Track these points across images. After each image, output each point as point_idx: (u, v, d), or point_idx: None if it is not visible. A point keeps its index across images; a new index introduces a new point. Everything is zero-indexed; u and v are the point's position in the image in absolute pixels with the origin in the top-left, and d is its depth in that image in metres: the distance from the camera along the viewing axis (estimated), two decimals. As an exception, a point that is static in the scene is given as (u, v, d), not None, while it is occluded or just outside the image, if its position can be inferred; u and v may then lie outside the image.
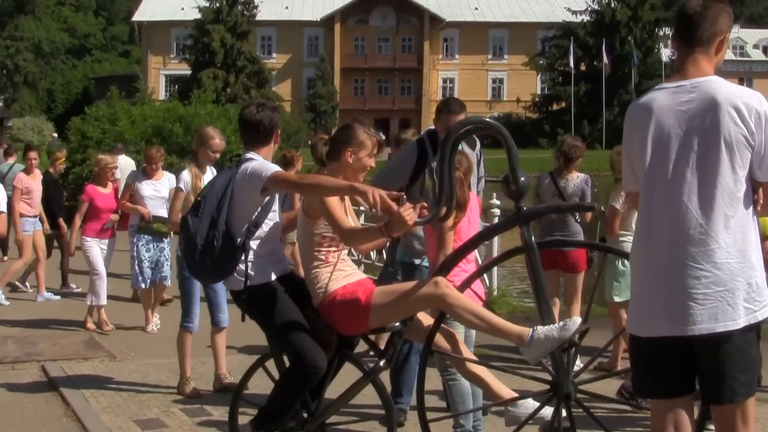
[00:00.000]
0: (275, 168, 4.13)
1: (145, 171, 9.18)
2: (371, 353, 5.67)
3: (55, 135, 40.14)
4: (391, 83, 73.93)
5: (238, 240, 4.09)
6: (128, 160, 15.14)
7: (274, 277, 4.18)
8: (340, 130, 4.29)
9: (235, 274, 4.16)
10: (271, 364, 4.37)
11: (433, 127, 5.79)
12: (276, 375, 4.29)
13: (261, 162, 4.20)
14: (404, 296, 3.94)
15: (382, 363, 4.12)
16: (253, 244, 4.17)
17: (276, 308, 4.07)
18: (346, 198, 4.24)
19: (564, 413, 3.91)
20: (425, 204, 4.11)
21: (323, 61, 69.32)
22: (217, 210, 4.11)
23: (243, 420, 4.53)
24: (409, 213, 3.73)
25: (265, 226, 4.21)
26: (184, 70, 61.95)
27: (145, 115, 19.37)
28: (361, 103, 71.84)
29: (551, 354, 3.87)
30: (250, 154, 4.29)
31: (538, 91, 70.46)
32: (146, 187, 8.98)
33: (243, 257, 4.10)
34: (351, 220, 4.17)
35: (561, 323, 3.80)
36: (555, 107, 68.03)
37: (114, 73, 76.32)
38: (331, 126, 68.15)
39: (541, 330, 3.80)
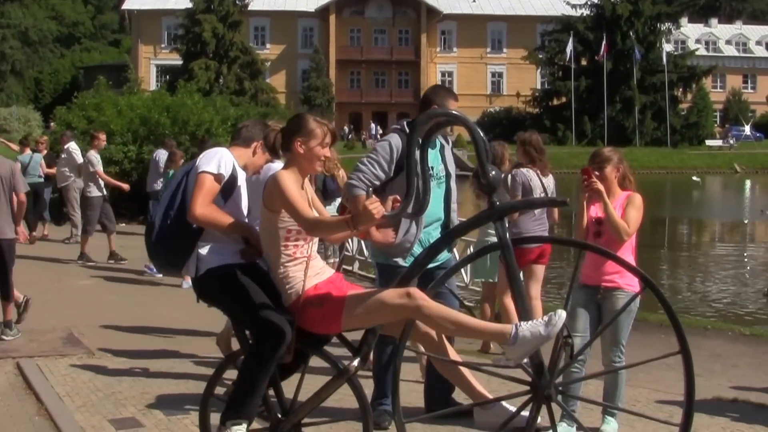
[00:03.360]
0: (207, 168, 4.13)
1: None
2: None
3: (53, 124, 39.88)
4: (388, 76, 73.66)
5: (194, 225, 4.04)
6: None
7: (233, 261, 4.06)
8: (291, 120, 4.15)
9: (192, 261, 4.09)
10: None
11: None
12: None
13: (213, 155, 4.17)
14: (377, 305, 3.77)
15: (356, 362, 3.95)
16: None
17: (235, 285, 3.95)
18: (307, 186, 4.10)
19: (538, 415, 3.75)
20: (398, 197, 3.95)
21: (318, 52, 68.91)
22: (173, 195, 4.12)
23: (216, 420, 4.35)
24: (376, 206, 3.56)
25: (241, 204, 4.11)
26: (176, 60, 61.42)
27: (131, 105, 19.10)
28: (358, 96, 71.67)
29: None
30: (225, 146, 4.31)
31: (538, 86, 70.27)
32: None
33: (198, 243, 4.07)
34: (315, 210, 4.02)
35: (546, 318, 3.61)
36: (555, 102, 67.77)
37: (103, 63, 75.78)
38: (328, 120, 67.87)
39: (526, 327, 3.58)
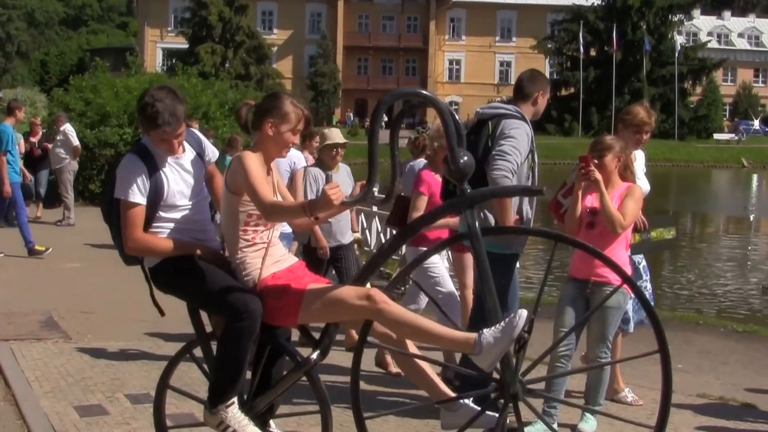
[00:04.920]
0: (123, 196, 3.80)
1: None
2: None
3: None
4: (396, 63, 73.39)
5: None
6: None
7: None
8: (266, 98, 3.93)
9: None
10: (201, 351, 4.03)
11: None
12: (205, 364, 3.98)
13: (118, 172, 3.86)
14: (337, 303, 3.61)
15: (315, 355, 3.79)
16: (168, 220, 3.88)
17: (194, 271, 3.78)
18: (275, 170, 3.93)
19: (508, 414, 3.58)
20: (364, 183, 3.79)
21: (325, 38, 68.62)
22: (110, 197, 3.91)
23: (170, 410, 4.22)
24: (335, 192, 3.39)
25: (178, 202, 3.87)
26: (182, 43, 61.24)
27: (128, 87, 18.90)
28: (365, 83, 71.39)
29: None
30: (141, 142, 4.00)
31: (547, 76, 69.74)
32: None
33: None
34: (280, 196, 3.85)
35: (505, 320, 3.45)
36: (563, 93, 67.37)
37: (110, 45, 75.61)
38: (334, 106, 67.63)
39: (488, 333, 3.42)
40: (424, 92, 3.68)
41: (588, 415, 5.30)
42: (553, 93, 67.19)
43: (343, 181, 7.04)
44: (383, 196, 3.82)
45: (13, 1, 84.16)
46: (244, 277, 3.75)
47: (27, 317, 8.27)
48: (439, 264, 6.53)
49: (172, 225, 3.88)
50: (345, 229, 7.32)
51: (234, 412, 3.78)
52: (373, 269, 3.84)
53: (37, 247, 11.61)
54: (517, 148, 5.05)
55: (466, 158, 3.51)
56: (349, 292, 3.62)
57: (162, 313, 4.09)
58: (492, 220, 5.08)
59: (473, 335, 3.47)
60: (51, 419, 5.29)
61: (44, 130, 17.53)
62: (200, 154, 4.03)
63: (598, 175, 5.15)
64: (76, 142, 15.47)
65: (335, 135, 7.36)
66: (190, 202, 3.92)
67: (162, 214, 3.86)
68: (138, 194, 3.79)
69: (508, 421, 3.64)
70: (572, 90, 66.09)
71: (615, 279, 4.99)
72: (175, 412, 5.17)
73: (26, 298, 9.20)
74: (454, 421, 3.71)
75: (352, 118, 65.90)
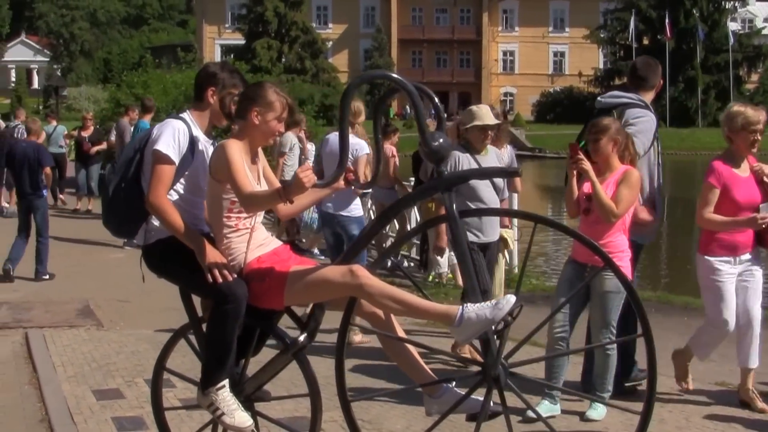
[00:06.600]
0: (161, 148, 3.89)
1: None
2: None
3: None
4: (450, 55, 73.20)
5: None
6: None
7: None
8: (250, 87, 3.99)
9: (145, 230, 4.02)
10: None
11: None
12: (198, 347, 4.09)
13: (167, 130, 3.95)
14: (320, 282, 3.68)
15: (302, 337, 3.86)
16: (178, 192, 3.98)
17: (182, 252, 3.86)
18: (262, 157, 3.99)
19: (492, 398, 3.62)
20: (350, 167, 3.86)
21: (380, 32, 68.78)
22: (128, 166, 4.01)
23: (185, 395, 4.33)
24: (307, 174, 3.45)
25: (180, 186, 3.97)
26: (239, 39, 62.00)
27: (177, 82, 19.25)
28: (419, 76, 71.08)
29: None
30: (181, 114, 4.11)
31: (600, 66, 68.99)
32: None
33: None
34: (267, 183, 3.91)
35: (494, 301, 3.47)
36: (617, 82, 66.33)
37: (170, 43, 76.76)
38: (392, 100, 67.65)
39: (472, 308, 3.46)
40: (393, 75, 3.68)
41: (596, 402, 5.29)
42: (607, 82, 66.36)
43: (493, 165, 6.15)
44: (364, 181, 3.87)
45: (76, 2, 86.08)
46: (230, 261, 3.83)
47: (64, 305, 8.55)
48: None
49: (176, 197, 3.97)
50: (494, 223, 6.25)
51: (224, 395, 3.88)
52: (357, 250, 3.90)
53: None
54: (639, 137, 5.29)
55: (441, 140, 3.54)
56: (331, 270, 3.70)
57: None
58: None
59: (455, 307, 3.50)
60: (69, 402, 5.51)
61: (97, 125, 17.95)
62: None
63: (587, 165, 5.10)
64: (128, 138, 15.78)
65: (485, 115, 6.18)
66: (202, 183, 4.02)
67: (178, 185, 3.96)
68: (174, 153, 3.91)
69: (491, 405, 3.67)
70: (625, 79, 64.95)
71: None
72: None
73: (66, 287, 9.50)
74: (438, 407, 3.74)
75: (408, 111, 65.88)
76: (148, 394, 5.59)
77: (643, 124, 5.41)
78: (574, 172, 5.22)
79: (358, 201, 7.42)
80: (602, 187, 5.14)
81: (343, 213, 7.21)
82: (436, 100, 3.64)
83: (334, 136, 6.80)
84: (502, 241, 6.64)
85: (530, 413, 4.58)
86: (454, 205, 3.54)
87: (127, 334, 7.47)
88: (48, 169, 10.11)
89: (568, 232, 3.83)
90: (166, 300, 8.35)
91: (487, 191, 6.02)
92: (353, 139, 7.13)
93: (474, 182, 5.85)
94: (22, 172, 10.07)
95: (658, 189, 5.58)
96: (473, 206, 5.69)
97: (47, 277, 9.89)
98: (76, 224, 14.37)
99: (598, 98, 5.82)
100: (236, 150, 3.77)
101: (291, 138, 11.75)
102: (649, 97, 5.58)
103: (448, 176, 3.57)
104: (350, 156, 7.45)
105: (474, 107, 6.33)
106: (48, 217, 10.34)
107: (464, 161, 6.00)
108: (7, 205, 16.18)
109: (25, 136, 16.16)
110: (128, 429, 5.09)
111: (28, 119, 11.22)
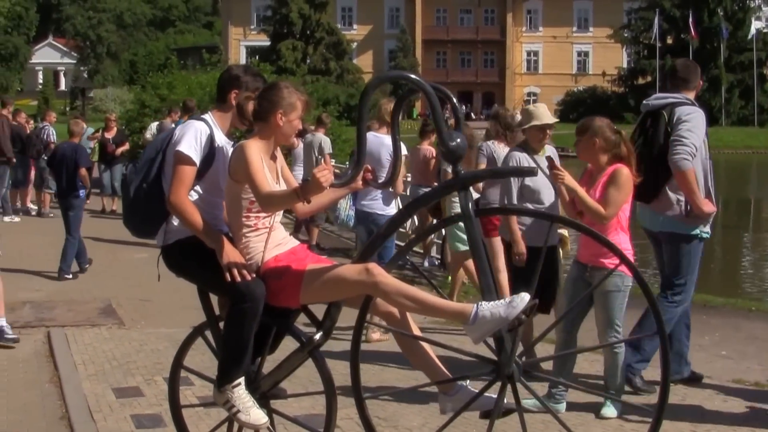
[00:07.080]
0: (183, 149, 3.92)
1: None
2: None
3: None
4: (474, 56, 73.14)
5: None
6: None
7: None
8: (267, 89, 3.96)
9: (164, 230, 4.06)
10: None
11: None
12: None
13: (189, 131, 3.98)
14: (336, 280, 3.70)
15: (318, 336, 3.88)
16: (198, 192, 4.01)
17: (201, 251, 3.90)
18: (280, 157, 4.01)
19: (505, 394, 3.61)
20: (368, 167, 3.86)
21: (404, 32, 68.83)
22: (149, 167, 4.05)
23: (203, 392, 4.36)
24: (324, 174, 3.47)
25: (200, 186, 4.00)
26: (264, 41, 62.34)
27: (201, 83, 19.32)
28: (444, 76, 71.07)
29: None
30: (203, 116, 4.15)
31: (624, 65, 68.65)
32: None
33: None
34: (285, 181, 3.93)
35: (508, 299, 3.46)
36: (641, 81, 66.03)
37: (196, 45, 77.15)
38: (414, 99, 67.69)
39: (486, 306, 3.46)
40: (410, 75, 3.70)
41: (609, 401, 5.27)
42: (630, 82, 65.99)
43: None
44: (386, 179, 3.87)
45: (103, 5, 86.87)
46: (248, 260, 3.86)
47: (87, 305, 8.62)
48: None
49: (196, 197, 4.00)
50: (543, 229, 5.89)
51: (240, 393, 3.90)
52: (373, 249, 3.90)
53: None
54: (694, 132, 5.46)
55: (459, 140, 3.55)
56: (347, 268, 3.72)
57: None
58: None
59: (470, 306, 3.51)
60: (88, 400, 5.56)
61: (122, 126, 18.11)
62: None
63: (568, 179, 5.08)
64: None
65: (542, 114, 6.12)
66: (222, 184, 4.04)
67: (198, 186, 4.00)
68: (196, 155, 3.96)
69: (505, 402, 3.66)
70: (649, 78, 64.58)
71: (610, 263, 4.99)
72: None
73: (89, 286, 9.58)
74: (452, 405, 3.74)
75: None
76: (166, 391, 5.68)
77: (695, 120, 5.56)
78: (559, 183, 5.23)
79: (396, 201, 7.49)
80: (593, 189, 5.17)
81: (378, 211, 7.27)
82: (454, 100, 3.65)
83: (372, 136, 6.78)
84: (561, 240, 6.56)
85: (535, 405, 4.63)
86: (470, 204, 3.55)
87: (147, 332, 7.51)
88: (84, 170, 10.20)
89: (584, 230, 3.82)
90: (187, 299, 8.37)
91: (548, 194, 6.05)
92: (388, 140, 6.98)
93: (537, 185, 6.01)
94: (61, 173, 10.22)
95: (713, 182, 5.71)
96: (532, 207, 5.95)
97: (70, 276, 9.98)
98: (100, 224, 14.47)
99: (644, 101, 5.92)
100: (255, 151, 3.80)
101: (325, 138, 12.28)
102: (691, 97, 5.70)
103: (464, 175, 3.59)
104: (387, 157, 7.16)
105: (531, 107, 6.26)
106: (81, 217, 10.42)
107: (523, 162, 5.98)
108: (33, 206, 16.37)
109: (53, 138, 16.50)
110: (147, 426, 5.13)
111: (71, 121, 11.29)
